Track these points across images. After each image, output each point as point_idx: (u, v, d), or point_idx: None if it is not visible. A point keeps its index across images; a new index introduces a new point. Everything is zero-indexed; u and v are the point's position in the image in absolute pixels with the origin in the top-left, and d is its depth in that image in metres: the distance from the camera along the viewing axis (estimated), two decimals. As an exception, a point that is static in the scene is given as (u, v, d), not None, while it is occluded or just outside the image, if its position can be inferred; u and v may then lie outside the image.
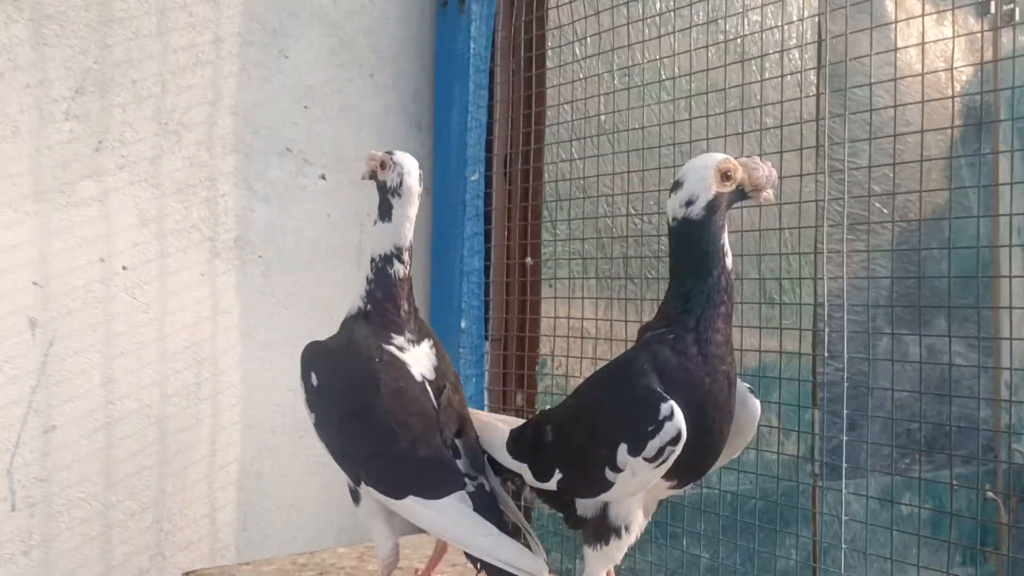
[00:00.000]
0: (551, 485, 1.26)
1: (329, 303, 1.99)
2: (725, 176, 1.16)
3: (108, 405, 1.70)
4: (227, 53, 1.83)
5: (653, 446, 1.09)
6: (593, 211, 2.00)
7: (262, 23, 1.88)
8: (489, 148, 2.04)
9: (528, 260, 2.00)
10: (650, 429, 1.09)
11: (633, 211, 2.04)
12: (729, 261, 1.18)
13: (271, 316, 1.91)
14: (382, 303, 1.36)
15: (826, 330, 2.02)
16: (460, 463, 1.31)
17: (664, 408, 1.08)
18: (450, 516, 1.26)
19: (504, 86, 2.03)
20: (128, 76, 1.71)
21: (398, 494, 1.27)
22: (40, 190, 1.62)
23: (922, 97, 1.56)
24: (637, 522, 1.24)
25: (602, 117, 1.98)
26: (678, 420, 1.08)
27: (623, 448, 1.12)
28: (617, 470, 1.13)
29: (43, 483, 1.63)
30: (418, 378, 1.34)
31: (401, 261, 1.36)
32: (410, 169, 1.36)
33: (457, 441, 1.34)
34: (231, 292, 1.85)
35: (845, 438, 1.79)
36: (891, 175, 2.24)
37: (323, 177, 1.98)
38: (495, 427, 1.39)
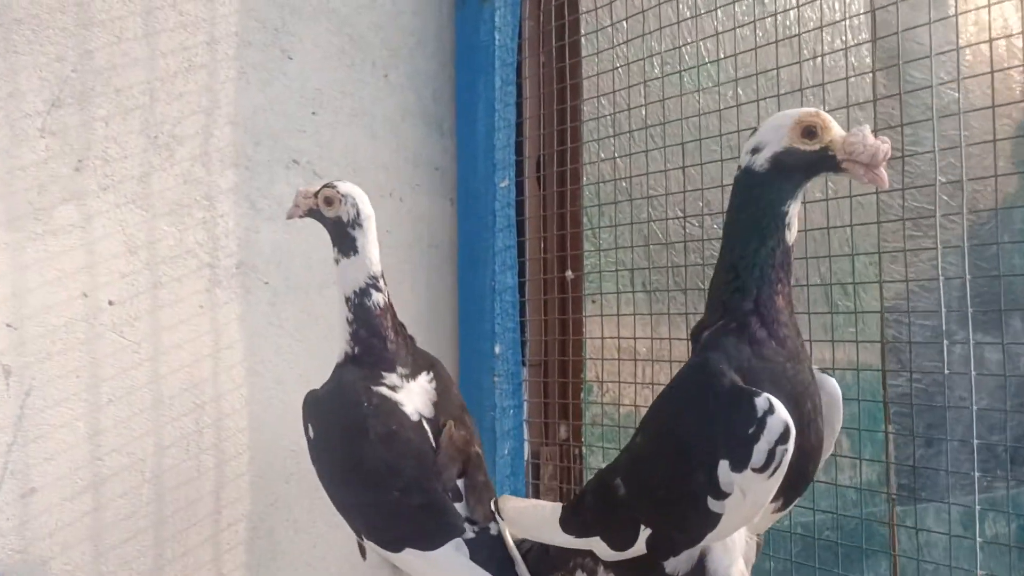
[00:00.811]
0: (638, 548, 1.02)
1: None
2: (808, 132, 0.98)
3: (95, 461, 1.49)
4: (223, 56, 1.62)
5: (761, 450, 0.91)
6: (638, 215, 1.77)
7: (262, 21, 1.67)
8: (519, 151, 1.82)
9: (568, 274, 1.77)
10: (751, 432, 0.91)
11: (682, 213, 1.80)
12: (792, 235, 0.99)
13: (281, 349, 1.69)
14: (368, 340, 1.30)
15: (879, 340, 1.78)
16: (460, 507, 1.25)
17: (760, 403, 0.92)
18: (443, 567, 1.19)
19: (534, 80, 1.81)
20: (111, 85, 1.51)
21: (395, 547, 1.22)
22: (12, 217, 1.42)
23: (991, 66, 1.32)
24: (739, 570, 1.04)
25: (644, 109, 1.75)
26: (781, 412, 0.91)
27: (724, 465, 0.93)
28: (722, 495, 0.94)
29: (21, 555, 1.42)
30: (414, 417, 1.27)
31: (378, 289, 1.31)
32: (361, 195, 1.31)
33: (459, 483, 1.27)
34: (234, 324, 1.64)
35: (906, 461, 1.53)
36: (956, 163, 2.01)
37: (335, 191, 1.76)
38: (537, 508, 1.25)
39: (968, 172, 1.67)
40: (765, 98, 1.62)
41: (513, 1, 1.78)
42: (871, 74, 2.08)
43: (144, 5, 1.55)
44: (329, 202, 1.30)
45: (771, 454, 0.91)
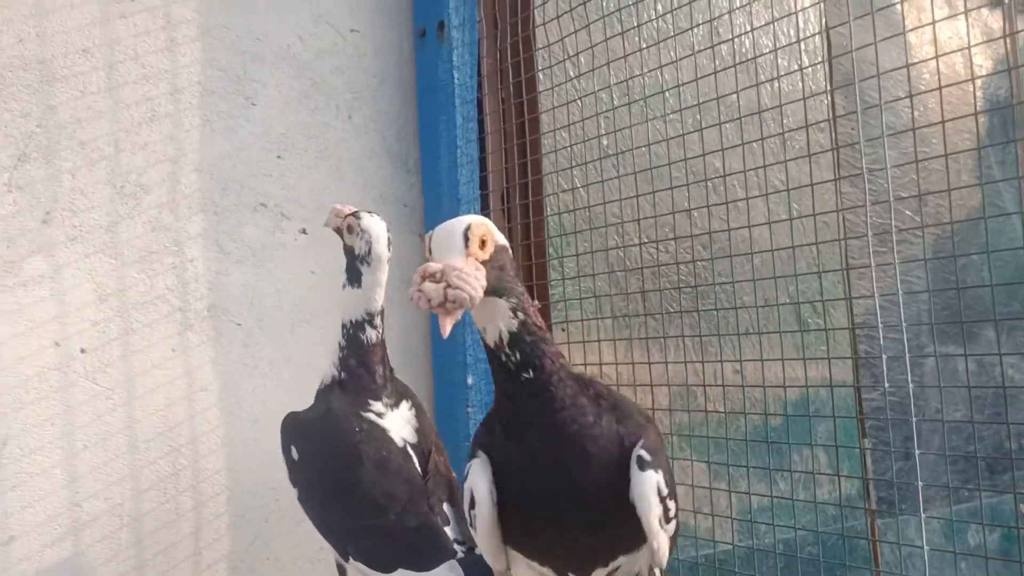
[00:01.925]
0: None
1: (320, 369, 1.78)
2: None
3: (74, 507, 1.51)
4: (187, 105, 1.67)
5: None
6: (602, 243, 1.81)
7: (224, 70, 1.71)
8: (484, 185, 1.85)
9: (535, 303, 1.79)
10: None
11: (646, 239, 1.84)
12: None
13: (256, 390, 1.71)
14: (356, 370, 1.35)
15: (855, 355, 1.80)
16: (449, 530, 1.28)
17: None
18: None
19: (494, 116, 1.85)
20: (76, 138, 1.55)
21: (387, 568, 1.24)
22: (-19, 271, 1.45)
23: (939, 83, 1.37)
24: None
25: (603, 139, 1.79)
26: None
27: None
28: None
29: (4, 603, 1.43)
30: (400, 443, 1.32)
31: (373, 326, 1.35)
32: (378, 236, 1.33)
33: (446, 507, 1.31)
34: (207, 367, 1.66)
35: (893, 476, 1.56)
36: (916, 177, 2.05)
37: (303, 231, 1.79)
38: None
39: (930, 187, 1.72)
40: (724, 123, 1.66)
41: (471, 40, 1.83)
42: (827, 95, 2.14)
43: (106, 59, 1.59)
44: (350, 230, 1.35)
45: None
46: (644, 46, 1.75)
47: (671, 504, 1.03)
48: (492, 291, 0.97)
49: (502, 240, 1.01)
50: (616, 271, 1.86)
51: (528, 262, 1.84)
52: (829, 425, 2.16)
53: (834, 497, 2.15)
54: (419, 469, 1.31)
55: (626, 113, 1.77)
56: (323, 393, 1.35)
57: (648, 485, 1.00)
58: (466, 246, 0.94)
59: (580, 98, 1.79)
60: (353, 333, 1.34)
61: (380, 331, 1.35)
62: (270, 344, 1.75)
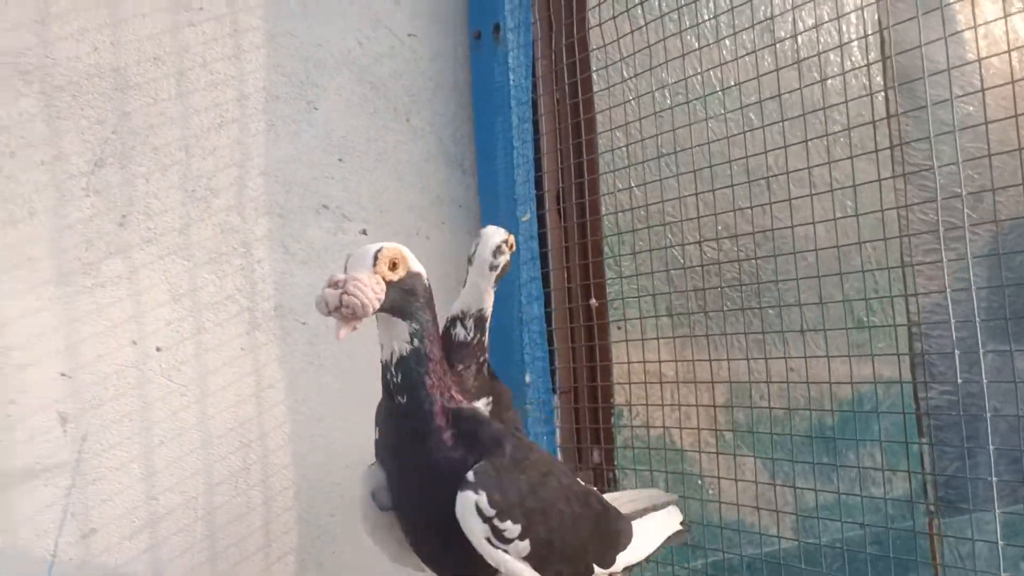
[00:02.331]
0: None
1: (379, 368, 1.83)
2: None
3: (151, 501, 1.56)
4: (253, 110, 1.71)
5: None
6: (658, 242, 1.82)
7: (288, 75, 1.76)
8: (539, 185, 1.88)
9: (592, 302, 1.82)
10: None
11: (701, 237, 1.85)
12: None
13: (321, 387, 1.75)
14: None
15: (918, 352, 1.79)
16: None
17: None
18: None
19: (549, 117, 1.88)
20: (149, 143, 1.60)
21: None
22: (62, 273, 1.50)
23: (1011, 77, 1.36)
24: None
25: (658, 139, 1.81)
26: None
27: None
28: None
29: (85, 593, 1.48)
30: None
31: (463, 325, 1.41)
32: (485, 240, 1.39)
33: None
34: (274, 365, 1.71)
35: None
36: (975, 175, 2.03)
37: (364, 232, 1.83)
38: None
39: (989, 183, 1.71)
40: (774, 123, 1.67)
41: (526, 42, 1.86)
42: (883, 92, 2.13)
43: (176, 67, 1.64)
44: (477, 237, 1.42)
45: None
46: (698, 46, 1.76)
47: (506, 525, 1.07)
48: (395, 311, 1.09)
49: (417, 268, 1.12)
50: (671, 269, 1.87)
51: (585, 261, 1.86)
52: (884, 423, 2.15)
53: (892, 495, 2.14)
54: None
55: (680, 113, 1.78)
56: None
57: (464, 505, 1.07)
58: (374, 264, 1.06)
59: (635, 98, 1.81)
60: (447, 328, 1.41)
61: (470, 332, 1.40)
62: (334, 343, 1.78)
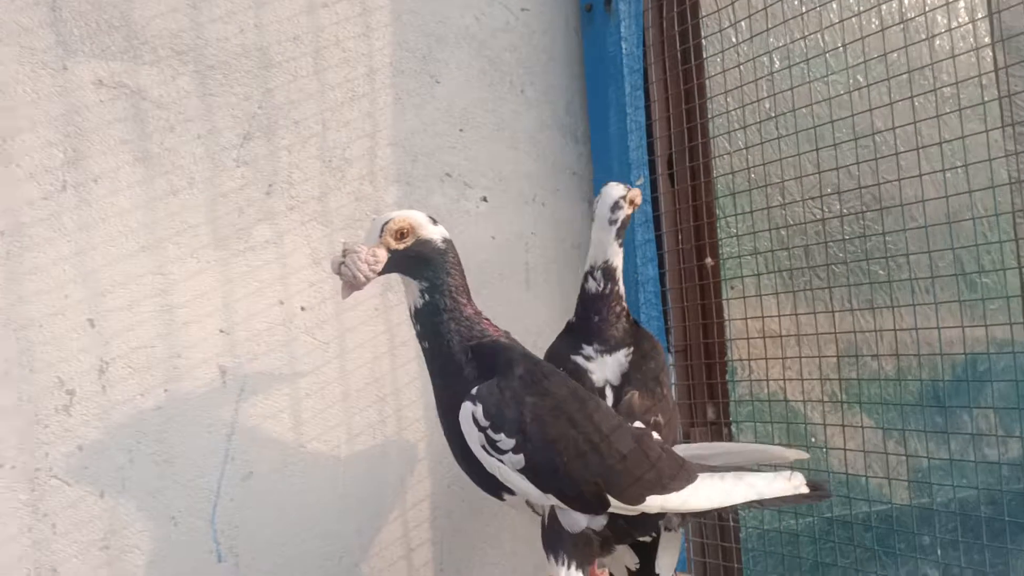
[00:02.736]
0: None
1: (502, 327, 1.92)
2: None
3: (299, 448, 1.68)
4: (381, 84, 1.82)
5: None
6: (768, 202, 1.86)
7: (412, 51, 1.86)
8: (651, 150, 1.94)
9: (708, 261, 1.87)
10: None
11: (809, 196, 1.89)
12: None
13: (447, 346, 1.85)
14: (581, 316, 1.56)
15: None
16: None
17: None
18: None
19: (660, 84, 1.94)
20: (290, 117, 1.72)
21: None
22: (219, 238, 1.63)
23: None
24: None
25: (766, 102, 1.85)
26: None
27: None
28: None
29: (244, 531, 1.61)
30: (599, 384, 1.48)
31: (594, 278, 1.53)
32: (604, 198, 1.51)
33: None
34: (405, 324, 1.81)
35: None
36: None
37: (484, 199, 1.93)
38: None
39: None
40: (878, 81, 1.70)
41: (637, 12, 1.92)
42: (990, 48, 2.11)
43: (313, 46, 1.75)
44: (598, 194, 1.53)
45: None
46: (804, 10, 1.80)
47: (499, 436, 1.20)
48: (405, 272, 1.29)
49: (429, 235, 1.28)
50: (779, 227, 1.91)
51: (697, 222, 1.92)
52: (998, 388, 2.14)
53: (1008, 458, 2.13)
54: (610, 407, 1.43)
55: (788, 76, 1.82)
56: (560, 334, 1.59)
57: (463, 414, 1.23)
58: (380, 236, 1.24)
59: (744, 63, 1.85)
60: (583, 284, 1.54)
61: (600, 284, 1.51)
62: (457, 304, 1.88)
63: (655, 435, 1.33)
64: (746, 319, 1.86)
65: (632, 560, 1.31)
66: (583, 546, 1.25)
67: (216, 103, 1.65)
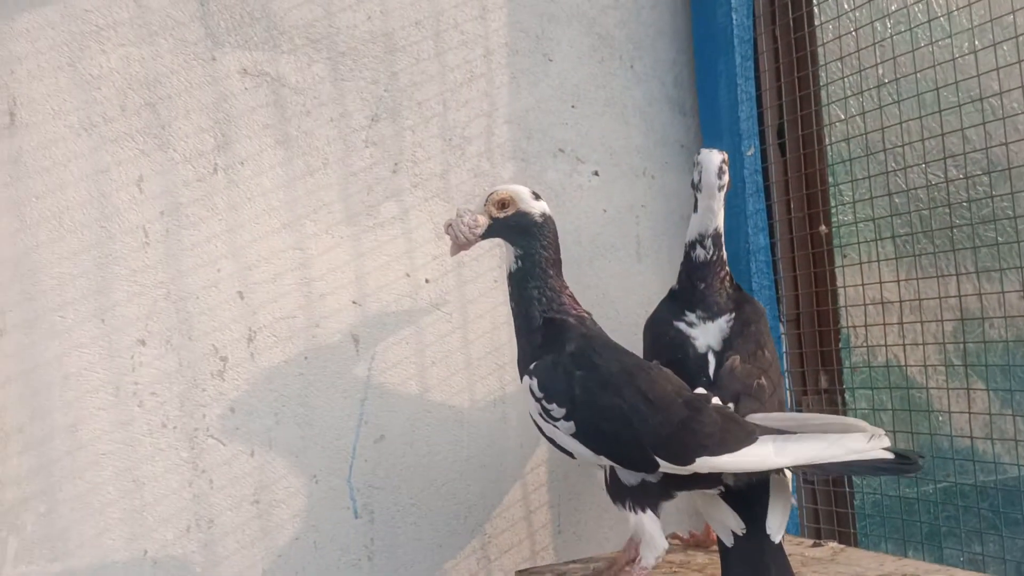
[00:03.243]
0: None
1: (614, 298, 1.98)
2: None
3: (426, 414, 1.78)
4: (497, 64, 1.89)
5: None
6: (880, 168, 1.86)
7: (526, 31, 1.92)
8: (760, 121, 1.96)
9: (822, 229, 1.89)
10: None
11: (922, 161, 1.87)
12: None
13: (562, 316, 1.92)
14: (685, 283, 1.60)
15: None
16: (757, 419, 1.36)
17: None
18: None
19: (770, 53, 1.95)
20: (414, 99, 1.80)
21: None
22: (350, 214, 1.73)
23: None
24: None
25: (879, 68, 1.85)
26: None
27: None
28: None
29: (377, 490, 1.72)
30: (701, 350, 1.51)
31: (703, 246, 1.56)
32: (708, 167, 1.53)
33: (730, 407, 1.41)
34: (523, 296, 1.88)
35: None
36: None
37: (596, 173, 1.98)
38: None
39: None
40: (999, 42, 1.68)
41: (746, -17, 1.93)
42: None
43: (433, 29, 1.83)
44: (695, 165, 1.56)
45: None
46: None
47: (551, 406, 1.34)
48: (504, 238, 1.44)
49: (528, 208, 1.42)
50: (893, 193, 1.90)
51: (810, 190, 1.93)
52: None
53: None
54: (711, 373, 1.49)
55: (901, 41, 1.81)
56: (662, 301, 1.64)
57: (524, 387, 1.39)
58: (484, 205, 1.43)
59: (855, 30, 1.85)
60: (688, 252, 1.58)
61: (709, 251, 1.55)
62: (570, 276, 1.91)
63: (715, 400, 1.36)
64: (862, 285, 1.86)
65: (737, 524, 1.34)
66: (643, 494, 1.34)
67: (347, 87, 1.74)
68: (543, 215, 1.43)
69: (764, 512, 1.33)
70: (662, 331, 1.55)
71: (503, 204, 1.42)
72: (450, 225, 1.42)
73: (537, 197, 1.44)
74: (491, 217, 1.42)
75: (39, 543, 1.46)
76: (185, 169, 1.59)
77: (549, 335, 1.39)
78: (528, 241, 1.42)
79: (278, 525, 1.64)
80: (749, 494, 1.32)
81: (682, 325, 1.55)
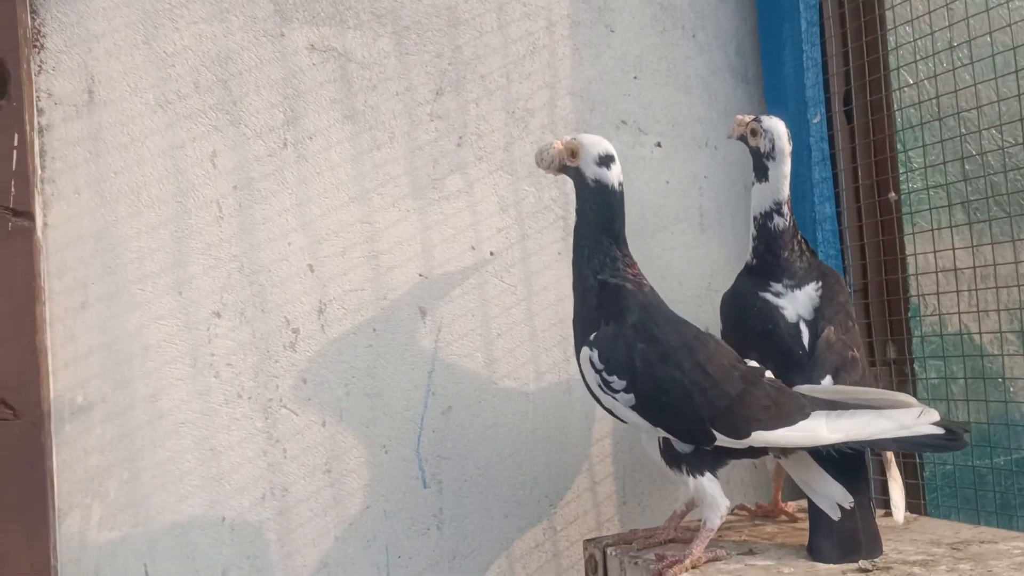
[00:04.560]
0: None
1: (678, 270, 1.97)
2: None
3: (492, 385, 1.79)
4: (560, 36, 1.88)
5: None
6: (951, 133, 1.82)
7: (587, 2, 1.91)
8: (826, 87, 1.92)
9: (891, 196, 1.85)
10: None
11: (995, 124, 1.83)
12: None
13: (626, 288, 1.91)
14: (764, 255, 1.55)
15: None
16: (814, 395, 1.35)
17: None
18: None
19: (836, 18, 1.91)
20: (477, 72, 1.81)
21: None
22: (416, 188, 1.75)
23: None
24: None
25: (951, 30, 1.80)
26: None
27: None
28: None
29: (445, 460, 1.74)
30: (792, 319, 1.48)
31: (781, 215, 1.53)
32: (780, 133, 1.51)
33: (826, 380, 1.40)
34: (586, 268, 1.88)
35: None
36: None
37: (659, 144, 1.97)
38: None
39: None
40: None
41: (811, -53, 1.90)
42: None
43: (496, 2, 1.83)
44: (754, 133, 1.54)
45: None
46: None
47: (612, 378, 1.33)
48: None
49: (584, 169, 1.41)
50: (963, 158, 1.86)
51: (876, 157, 1.90)
52: None
53: None
54: (805, 344, 1.46)
55: (972, 2, 1.76)
56: (738, 277, 1.61)
57: (583, 357, 1.38)
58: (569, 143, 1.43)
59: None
60: (762, 223, 1.54)
61: (788, 218, 1.53)
62: (634, 247, 1.89)
63: (768, 374, 1.35)
64: (933, 253, 1.83)
65: (845, 498, 1.31)
66: (699, 460, 1.35)
67: (411, 61, 1.75)
68: (596, 181, 1.41)
69: (868, 485, 1.35)
70: (748, 303, 1.52)
71: (573, 154, 1.42)
72: (542, 150, 1.45)
73: (604, 163, 1.41)
74: (562, 159, 1.43)
75: (122, 509, 1.51)
76: (256, 144, 1.62)
77: (605, 298, 1.38)
78: (580, 200, 1.43)
79: (349, 494, 1.67)
80: (852, 464, 1.32)
81: (768, 295, 1.52)
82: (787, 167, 1.52)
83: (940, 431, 1.26)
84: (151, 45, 1.56)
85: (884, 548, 1.33)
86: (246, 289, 1.60)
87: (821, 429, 1.27)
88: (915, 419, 1.27)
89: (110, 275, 1.52)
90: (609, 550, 1.48)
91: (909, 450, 1.35)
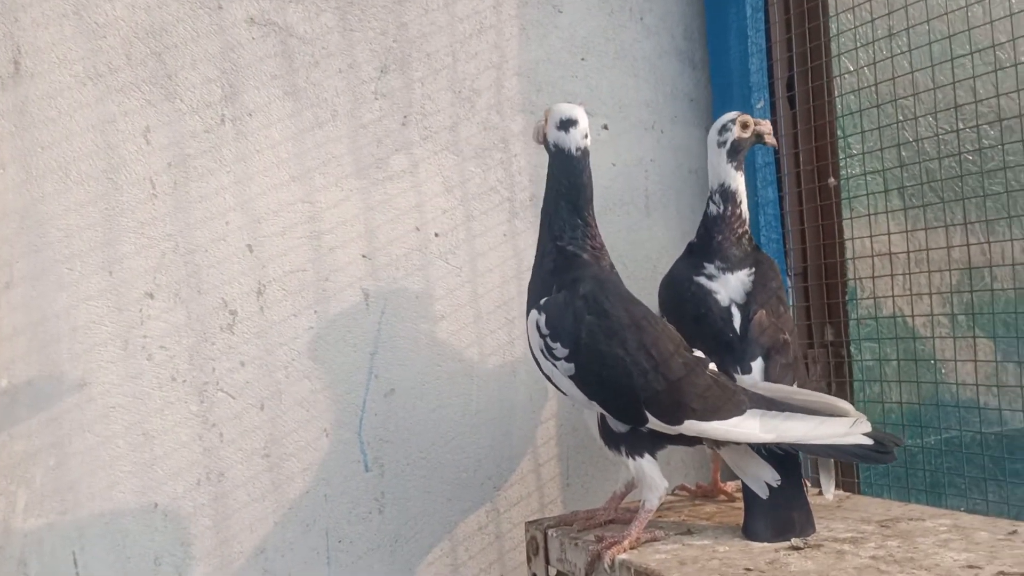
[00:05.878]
0: None
1: (622, 252, 1.97)
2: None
3: (435, 367, 1.78)
4: (507, 16, 1.86)
5: None
6: (889, 119, 1.85)
7: (534, -20, 1.89)
8: (770, 73, 1.94)
9: (831, 181, 1.88)
10: None
11: (928, 113, 1.86)
12: None
13: (571, 271, 1.91)
14: (703, 236, 1.59)
15: None
16: (747, 381, 1.41)
17: None
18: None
19: (780, 5, 1.92)
20: (423, 50, 1.78)
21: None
22: (360, 167, 1.72)
23: None
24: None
25: (890, 18, 1.83)
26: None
27: None
28: None
29: (387, 444, 1.73)
30: (724, 303, 1.51)
31: (712, 201, 1.58)
32: (715, 124, 1.59)
33: (756, 363, 1.44)
34: (531, 250, 1.84)
35: None
36: None
37: (605, 127, 1.96)
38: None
39: None
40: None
41: (757, -68, 1.90)
42: None
43: (441, -21, 1.80)
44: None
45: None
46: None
47: (555, 345, 1.33)
48: None
49: (549, 134, 1.41)
50: (899, 144, 1.89)
51: (817, 143, 1.92)
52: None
53: None
54: (736, 327, 1.48)
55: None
56: (680, 257, 1.64)
57: (530, 320, 1.38)
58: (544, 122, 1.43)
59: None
60: (706, 206, 1.59)
61: (719, 206, 1.56)
62: (579, 231, 1.93)
63: (712, 366, 1.36)
64: (870, 237, 1.86)
65: (773, 476, 1.34)
66: (636, 441, 1.36)
67: (355, 38, 1.72)
68: (555, 145, 1.41)
69: (797, 463, 1.36)
70: (683, 287, 1.54)
71: (546, 122, 1.43)
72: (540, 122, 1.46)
73: (563, 127, 1.40)
74: (543, 131, 1.43)
75: (49, 496, 1.46)
76: (192, 120, 1.57)
77: (560, 264, 1.38)
78: (550, 166, 1.43)
79: (288, 478, 1.64)
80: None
81: (702, 279, 1.53)
82: (716, 156, 1.57)
83: (870, 442, 1.28)
84: (81, 15, 1.49)
85: (816, 526, 1.35)
86: (181, 269, 1.56)
87: (754, 427, 1.29)
88: (848, 428, 1.29)
89: (36, 253, 1.46)
90: (550, 531, 1.48)
91: (839, 458, 1.36)
